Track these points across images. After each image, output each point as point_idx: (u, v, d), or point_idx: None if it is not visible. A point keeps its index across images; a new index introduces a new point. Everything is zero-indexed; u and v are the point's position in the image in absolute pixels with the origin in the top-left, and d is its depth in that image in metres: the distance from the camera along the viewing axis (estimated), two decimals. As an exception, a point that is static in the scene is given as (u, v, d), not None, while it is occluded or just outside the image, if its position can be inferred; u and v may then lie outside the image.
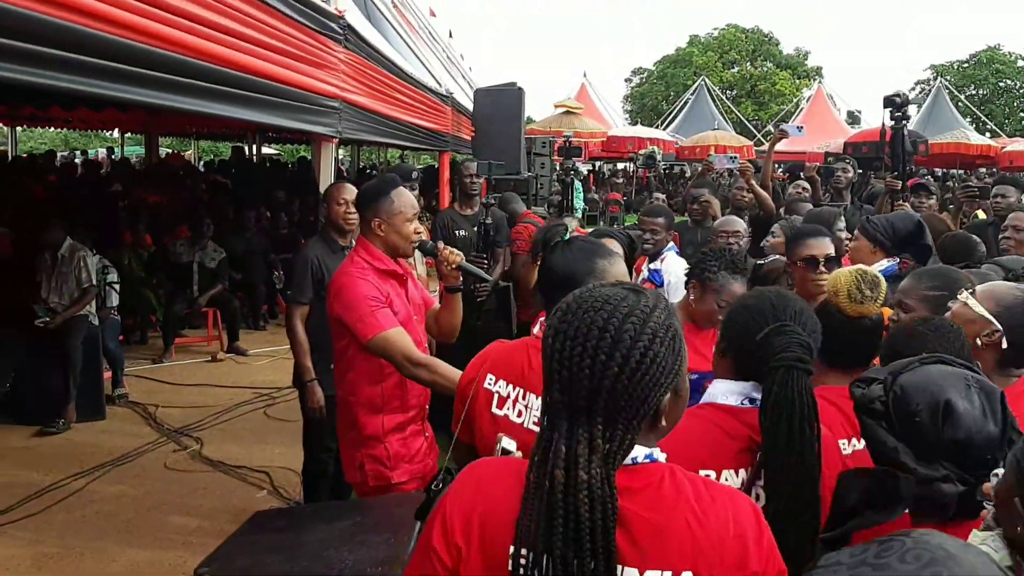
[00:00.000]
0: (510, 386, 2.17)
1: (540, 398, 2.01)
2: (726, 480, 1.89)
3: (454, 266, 3.26)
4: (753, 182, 6.06)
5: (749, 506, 1.43)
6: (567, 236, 2.20)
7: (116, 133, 21.14)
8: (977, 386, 1.61)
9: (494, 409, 2.17)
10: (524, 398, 2.14)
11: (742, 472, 1.91)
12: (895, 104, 5.17)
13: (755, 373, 1.93)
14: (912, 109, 5.54)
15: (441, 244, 3.36)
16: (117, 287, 7.31)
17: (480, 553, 1.37)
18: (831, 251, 3.53)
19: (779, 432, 1.80)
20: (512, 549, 1.32)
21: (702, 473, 1.71)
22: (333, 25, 4.21)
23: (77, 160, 23.49)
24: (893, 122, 5.19)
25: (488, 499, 1.40)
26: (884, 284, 2.48)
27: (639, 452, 1.37)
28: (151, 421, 6.52)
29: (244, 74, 3.15)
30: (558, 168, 11.89)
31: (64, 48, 2.10)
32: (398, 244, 3.23)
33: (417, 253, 5.30)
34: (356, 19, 5.71)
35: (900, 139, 5.19)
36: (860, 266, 2.62)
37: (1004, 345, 2.24)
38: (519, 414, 2.14)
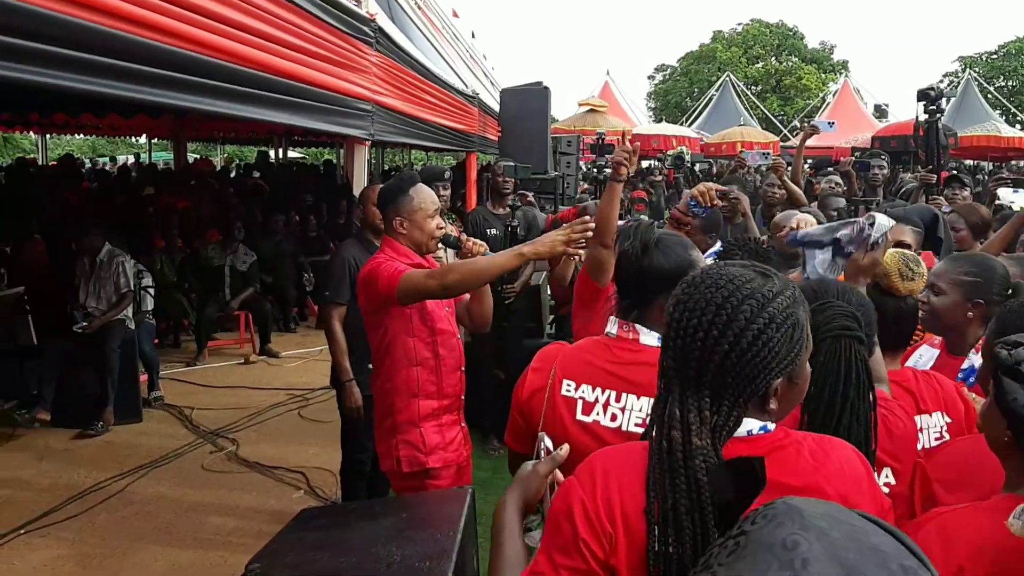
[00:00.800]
0: (597, 389, 2.04)
1: (641, 398, 1.98)
2: None
3: None
4: (786, 178, 6.02)
5: (855, 454, 1.48)
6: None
7: (143, 139, 21.37)
8: None
9: (580, 416, 2.03)
10: (619, 399, 2.01)
11: None
12: (929, 98, 5.13)
13: None
14: (943, 102, 5.44)
15: (464, 236, 3.39)
16: (152, 291, 7.41)
17: (627, 537, 1.38)
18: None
19: (828, 402, 1.80)
20: (646, 508, 1.35)
21: None
22: (365, 28, 4.25)
23: (107, 167, 23.79)
24: (927, 115, 5.14)
25: (623, 484, 1.41)
26: (924, 264, 2.57)
27: (753, 424, 1.41)
28: (187, 423, 6.60)
29: (281, 78, 3.19)
30: (586, 167, 11.90)
31: (111, 55, 2.14)
32: (422, 240, 3.28)
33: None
34: (383, 21, 5.75)
35: (934, 133, 5.14)
36: (899, 249, 2.65)
37: None
38: (612, 418, 2.01)
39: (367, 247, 4.35)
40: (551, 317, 6.57)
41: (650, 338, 2.04)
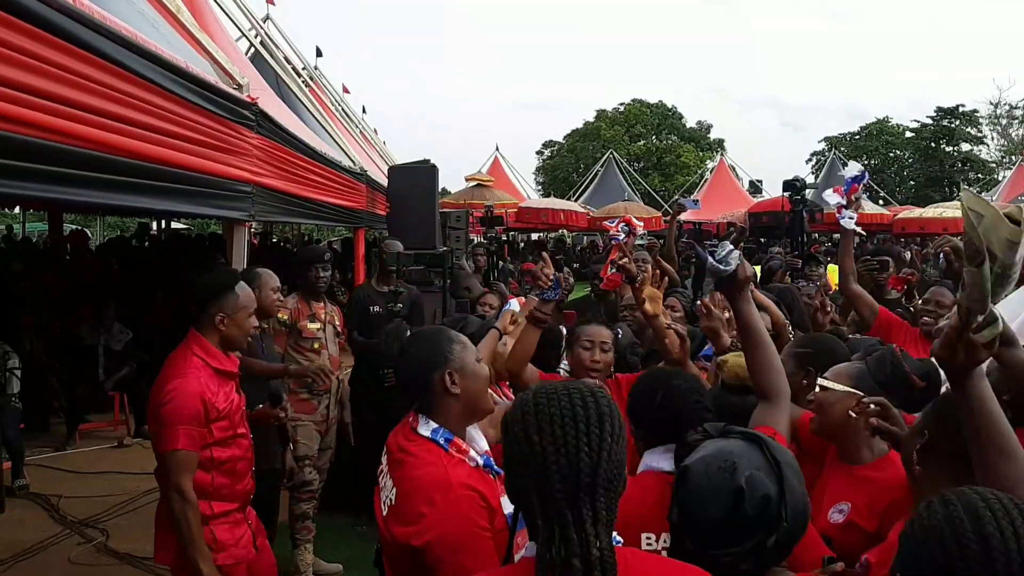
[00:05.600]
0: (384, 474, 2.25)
1: (391, 477, 2.17)
2: (664, 542, 2.14)
3: None
4: (659, 257, 6.28)
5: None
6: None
7: (16, 210, 20.49)
8: (727, 466, 1.65)
9: (381, 508, 2.23)
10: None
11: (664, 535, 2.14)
12: (795, 188, 5.48)
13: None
14: (810, 178, 5.84)
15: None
16: (18, 373, 7.05)
17: None
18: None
19: None
20: None
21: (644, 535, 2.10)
22: (246, 112, 4.26)
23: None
24: (792, 205, 5.47)
25: None
26: None
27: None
28: (54, 513, 6.26)
29: (157, 165, 3.17)
30: (477, 239, 12.08)
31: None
32: (239, 338, 3.40)
33: (329, 329, 5.33)
34: (269, 101, 5.76)
35: (799, 221, 5.47)
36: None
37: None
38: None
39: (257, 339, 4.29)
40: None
41: (426, 428, 2.18)
